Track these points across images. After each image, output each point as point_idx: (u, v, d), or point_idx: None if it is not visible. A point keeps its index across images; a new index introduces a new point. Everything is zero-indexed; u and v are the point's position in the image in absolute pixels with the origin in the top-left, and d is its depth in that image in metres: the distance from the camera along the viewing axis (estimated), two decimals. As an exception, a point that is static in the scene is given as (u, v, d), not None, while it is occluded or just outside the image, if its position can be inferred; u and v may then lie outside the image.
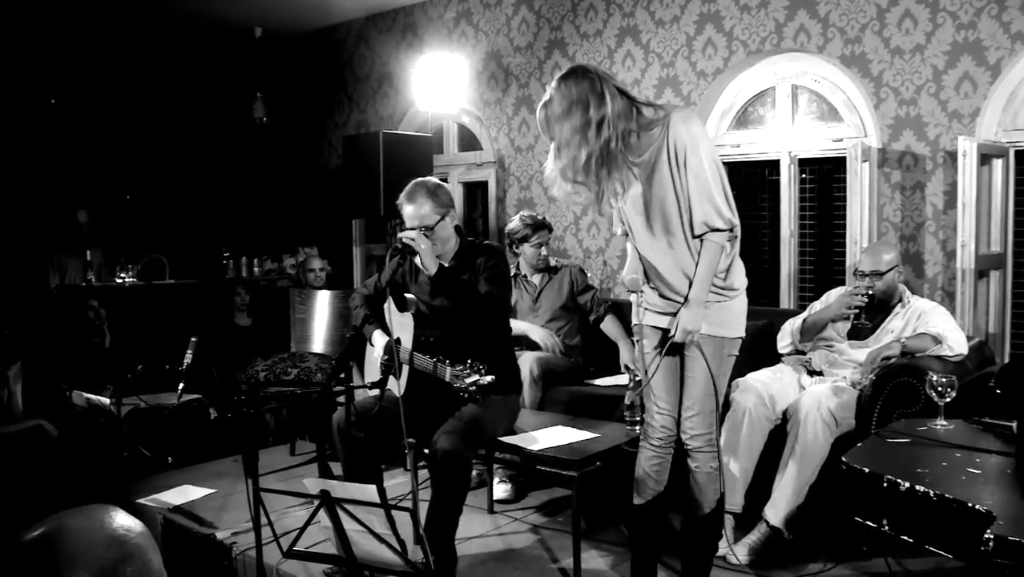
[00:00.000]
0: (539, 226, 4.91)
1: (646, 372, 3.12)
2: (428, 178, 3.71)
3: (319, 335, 5.39)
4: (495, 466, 4.27)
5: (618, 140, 2.88)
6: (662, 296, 3.05)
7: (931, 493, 2.26)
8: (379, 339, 3.68)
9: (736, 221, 2.96)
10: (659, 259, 3.00)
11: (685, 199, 2.91)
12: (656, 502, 3.19)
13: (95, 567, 1.14)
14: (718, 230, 2.91)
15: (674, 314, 2.99)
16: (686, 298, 2.96)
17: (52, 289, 7.18)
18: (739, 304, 3.06)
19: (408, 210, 3.59)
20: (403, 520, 2.58)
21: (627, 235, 3.13)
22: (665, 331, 3.05)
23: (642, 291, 3.12)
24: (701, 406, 3.05)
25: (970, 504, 2.17)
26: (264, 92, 7.79)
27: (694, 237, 2.94)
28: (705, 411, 3.05)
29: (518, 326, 4.78)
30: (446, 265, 3.62)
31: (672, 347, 3.03)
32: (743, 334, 3.09)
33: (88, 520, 1.19)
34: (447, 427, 3.39)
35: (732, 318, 3.04)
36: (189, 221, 8.39)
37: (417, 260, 3.55)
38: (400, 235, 3.53)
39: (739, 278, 3.06)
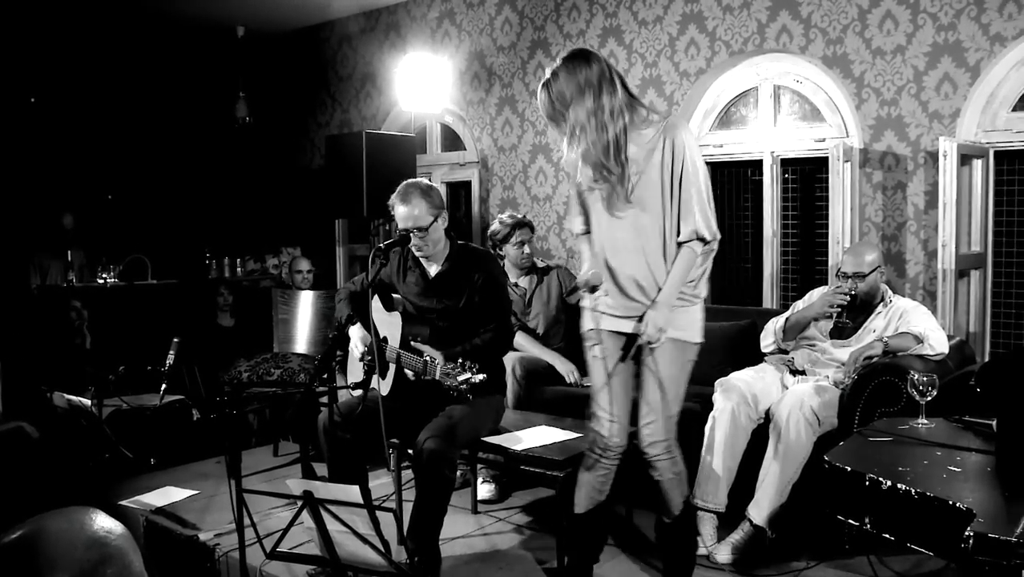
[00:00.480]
0: (519, 225, 4.89)
1: (607, 375, 3.10)
2: (420, 179, 3.71)
3: (302, 335, 5.39)
4: (479, 466, 4.27)
5: (629, 129, 2.92)
6: (626, 296, 3.04)
7: (912, 491, 2.28)
8: (360, 336, 3.65)
9: (719, 235, 3.01)
10: (630, 258, 3.00)
11: (674, 205, 2.94)
12: (597, 510, 3.20)
13: (75, 569, 1.14)
14: (703, 240, 2.94)
15: (637, 318, 2.99)
16: (653, 300, 2.97)
17: (33, 290, 7.13)
18: (700, 311, 3.09)
19: (402, 211, 3.56)
20: (387, 521, 2.58)
21: (586, 233, 3.13)
22: (628, 336, 3.05)
23: (600, 291, 3.08)
24: (660, 412, 3.03)
25: (951, 502, 2.18)
26: (247, 92, 7.76)
27: (677, 243, 2.96)
28: (664, 417, 3.03)
29: (541, 354, 4.76)
30: (438, 268, 3.63)
31: (636, 351, 3.02)
32: (702, 340, 3.10)
33: (68, 522, 1.19)
34: (431, 427, 3.38)
35: (694, 323, 3.07)
36: (171, 221, 8.35)
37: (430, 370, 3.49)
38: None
39: (705, 288, 3.10)
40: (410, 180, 3.66)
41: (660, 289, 2.97)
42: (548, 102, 2.93)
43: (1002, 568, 1.96)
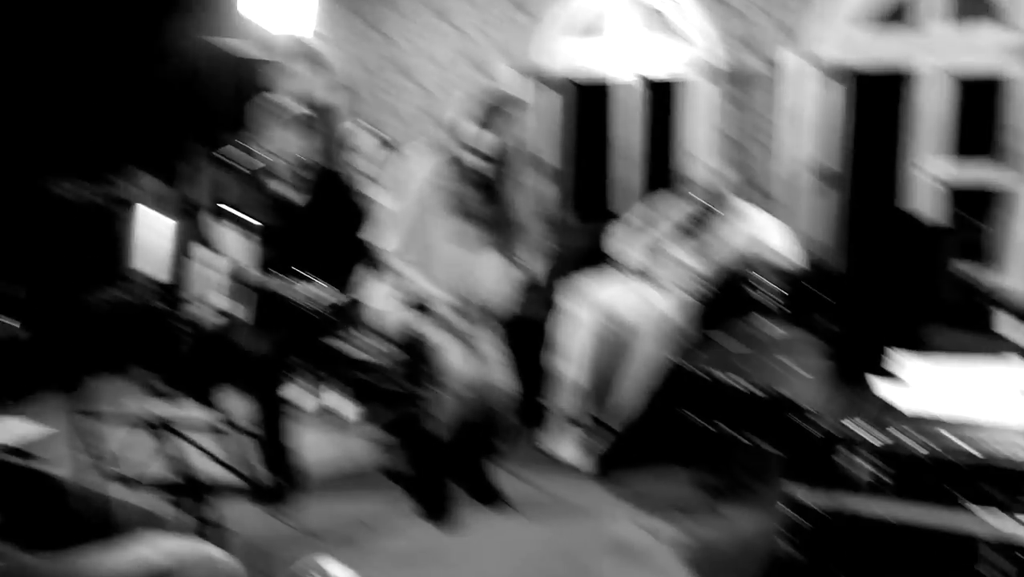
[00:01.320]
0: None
1: None
2: (297, 105, 3.56)
3: (152, 258, 5.16)
4: (341, 385, 4.22)
5: None
6: None
7: (758, 390, 2.39)
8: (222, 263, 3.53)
9: None
10: None
11: None
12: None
13: None
14: None
15: None
16: None
17: None
18: None
19: (286, 138, 3.50)
20: (247, 444, 2.54)
21: None
22: None
23: None
24: None
25: (788, 397, 2.31)
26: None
27: None
28: None
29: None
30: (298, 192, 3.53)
31: None
32: None
33: None
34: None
35: None
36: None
37: None
38: None
39: None
40: (288, 105, 3.52)
41: None
42: None
43: (831, 454, 2.09)
